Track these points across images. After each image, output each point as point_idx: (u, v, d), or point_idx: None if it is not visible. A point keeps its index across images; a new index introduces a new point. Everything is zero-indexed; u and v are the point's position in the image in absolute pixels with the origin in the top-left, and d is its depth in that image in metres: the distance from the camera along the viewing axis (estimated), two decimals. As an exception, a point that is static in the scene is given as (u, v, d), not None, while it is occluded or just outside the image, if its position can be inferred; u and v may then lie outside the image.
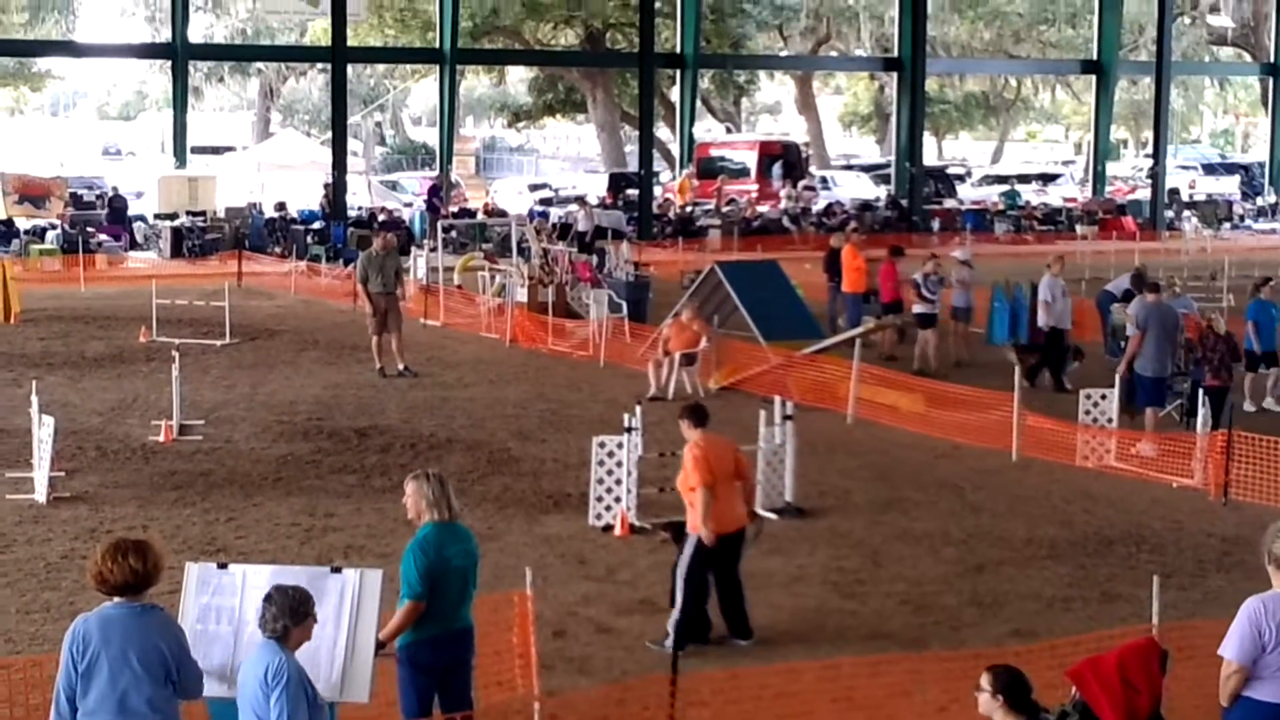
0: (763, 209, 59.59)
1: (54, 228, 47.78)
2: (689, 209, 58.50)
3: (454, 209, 55.50)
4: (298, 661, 8.32)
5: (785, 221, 56.99)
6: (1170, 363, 22.16)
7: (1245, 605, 9.01)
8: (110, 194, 53.37)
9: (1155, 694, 9.26)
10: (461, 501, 10.45)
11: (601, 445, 16.93)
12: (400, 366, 26.44)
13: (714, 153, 69.62)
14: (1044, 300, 26.28)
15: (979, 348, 28.51)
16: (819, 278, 32.73)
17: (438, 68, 60.29)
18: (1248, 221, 66.29)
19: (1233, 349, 22.18)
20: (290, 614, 8.32)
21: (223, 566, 9.28)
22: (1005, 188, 68.24)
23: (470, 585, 10.17)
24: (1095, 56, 66.12)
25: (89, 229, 47.43)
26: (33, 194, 50.99)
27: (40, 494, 17.72)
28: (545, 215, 54.36)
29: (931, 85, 72.50)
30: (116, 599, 8.26)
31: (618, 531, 16.65)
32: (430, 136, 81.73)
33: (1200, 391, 20.40)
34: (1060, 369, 26.02)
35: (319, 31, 71.22)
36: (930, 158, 77.27)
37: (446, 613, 10.01)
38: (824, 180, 70.07)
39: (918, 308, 28.00)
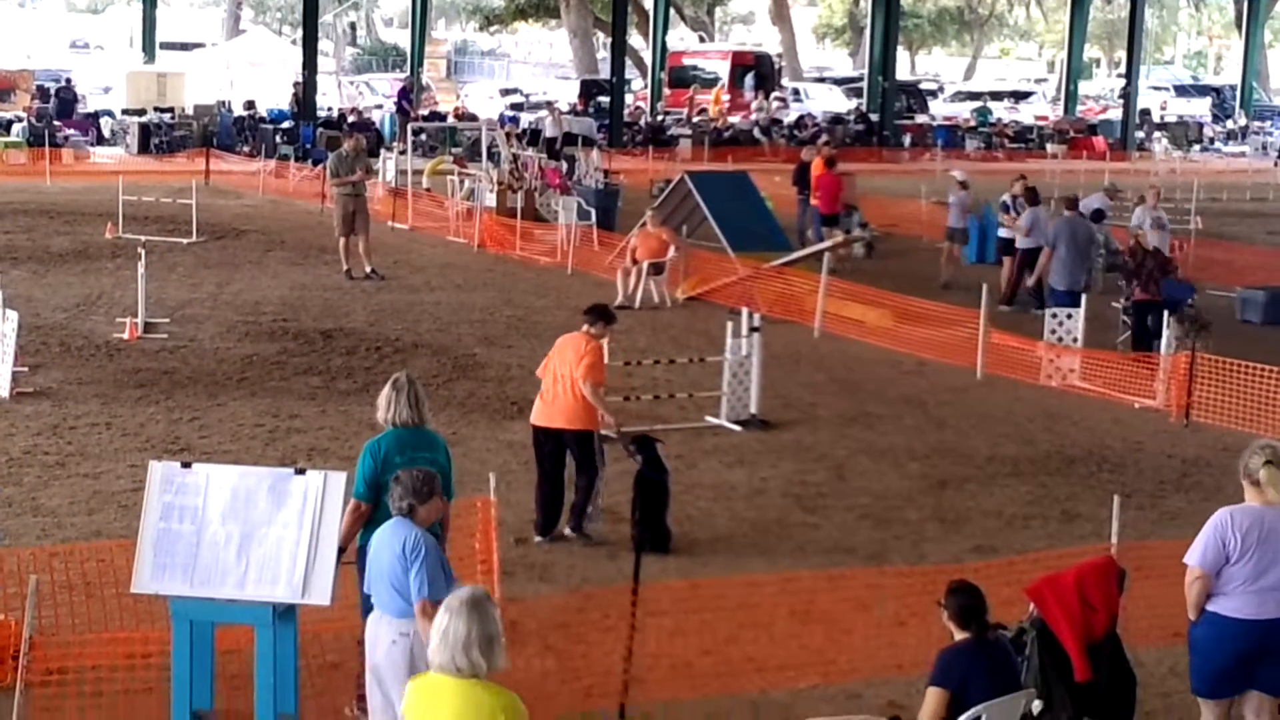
0: (734, 119, 59.45)
1: (20, 120, 47.43)
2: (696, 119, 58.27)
3: (424, 112, 55.25)
4: (431, 535, 8.70)
5: (756, 133, 56.89)
6: (1082, 276, 22.62)
7: (1215, 515, 9.11)
8: (59, 86, 52.53)
9: (1112, 612, 9.35)
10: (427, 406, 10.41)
11: (567, 353, 16.89)
12: (367, 269, 26.36)
13: (686, 61, 69.35)
14: (1134, 231, 24.44)
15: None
16: (788, 190, 32.68)
17: (411, -32, 59.81)
18: (1217, 144, 66.41)
19: (1161, 264, 22.31)
20: (414, 493, 8.70)
21: (186, 466, 9.27)
22: (977, 104, 68.20)
23: None
24: (1071, -26, 65.92)
25: (55, 123, 47.11)
26: (-2, 87, 50.64)
27: (3, 389, 17.64)
28: (515, 120, 54.18)
29: (906, -1, 72.21)
30: None
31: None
32: (402, 38, 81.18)
33: (1165, 312, 20.48)
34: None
35: (291, -72, 70.59)
36: (903, 72, 77.06)
37: None
38: (796, 92, 69.93)
39: (1004, 232, 26.69)
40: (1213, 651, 9.09)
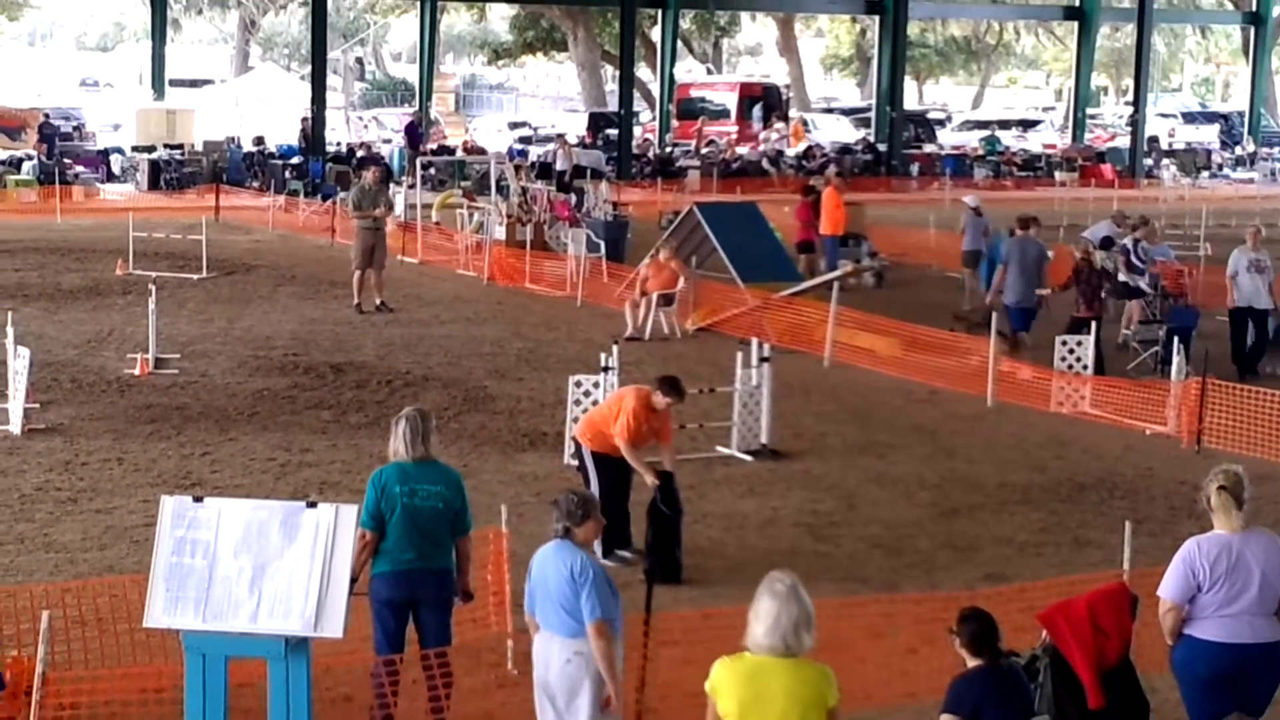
0: (742, 150, 59.54)
1: (30, 159, 47.56)
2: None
3: (433, 146, 55.36)
4: (595, 556, 9.12)
5: (764, 164, 56.97)
6: (1033, 293, 22.68)
7: (1183, 546, 9.25)
8: (41, 122, 52.29)
9: (1125, 639, 9.35)
10: (437, 439, 10.44)
11: (578, 384, 16.93)
12: (377, 302, 26.38)
13: (694, 93, 69.46)
14: (1229, 275, 23.02)
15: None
16: (797, 220, 32.71)
17: (419, 3, 60.00)
18: (1226, 171, 66.41)
19: (1113, 283, 22.79)
20: (568, 516, 9.02)
21: (198, 500, 9.28)
22: (985, 133, 68.27)
23: (440, 527, 10.10)
24: (1077, 2, 66.03)
25: (65, 160, 47.24)
26: (8, 125, 50.65)
27: (15, 425, 17.68)
28: (524, 154, 54.28)
29: (913, 29, 72.30)
30: None
31: (593, 471, 16.62)
32: (410, 73, 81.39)
33: (1174, 338, 20.52)
34: (1256, 352, 22.80)
35: (299, -35, 70.86)
36: (911, 102, 77.16)
37: (399, 550, 10.04)
38: (804, 123, 70.03)
39: (1124, 276, 24.87)
40: (1191, 674, 9.27)
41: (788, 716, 7.36)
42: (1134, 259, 24.94)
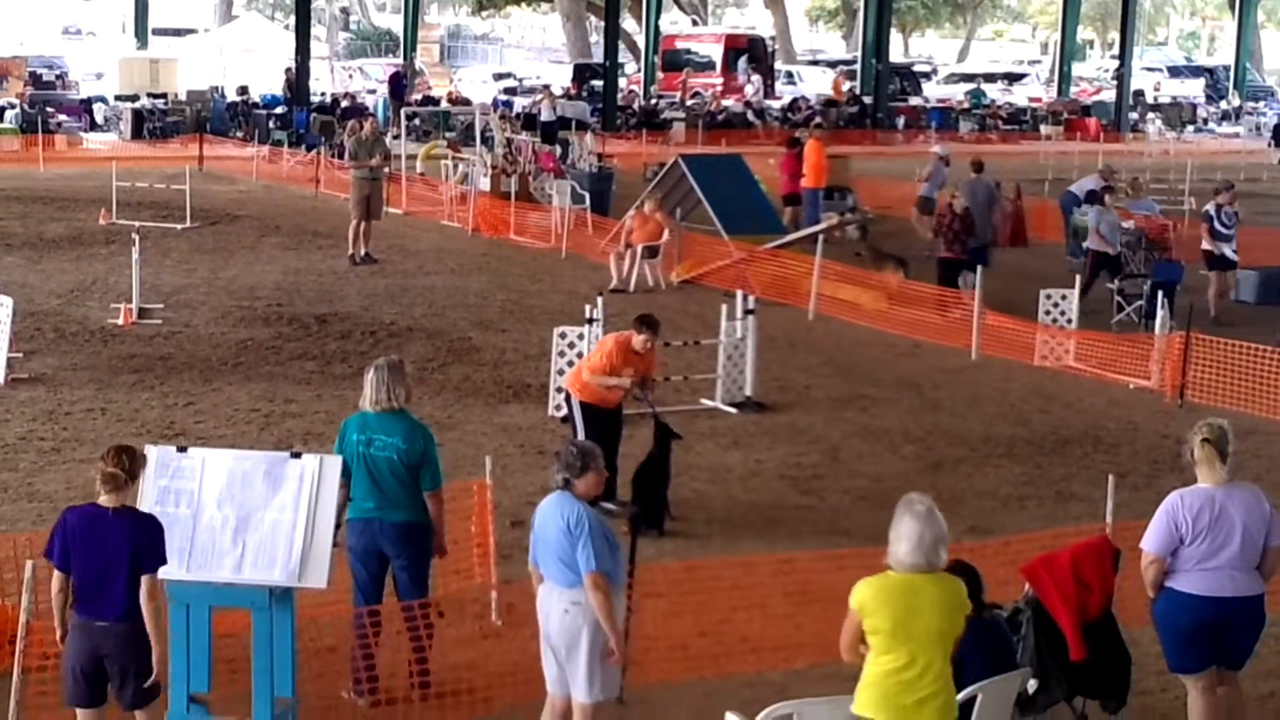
0: (727, 103, 59.43)
1: (12, 107, 47.36)
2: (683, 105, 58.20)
3: (417, 97, 55.20)
4: (593, 509, 8.88)
5: (749, 116, 56.88)
6: (986, 231, 24.04)
7: (1166, 499, 9.24)
8: None
9: (1107, 592, 9.39)
10: (420, 390, 10.43)
11: (562, 336, 16.92)
12: (363, 252, 26.30)
13: (679, 45, 69.28)
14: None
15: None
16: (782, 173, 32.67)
17: (403, -47, 59.65)
18: (1211, 125, 66.40)
19: (968, 226, 23.10)
20: (567, 468, 8.86)
21: (182, 450, 9.27)
22: (971, 86, 68.17)
23: (396, 480, 10.03)
24: (1064, -45, 65.87)
25: (48, 109, 47.05)
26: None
27: (-2, 375, 17.65)
28: (509, 105, 54.11)
29: (899, -19, 72.13)
30: None
31: (577, 422, 16.62)
32: (395, 23, 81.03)
33: (1159, 293, 20.54)
34: None
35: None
36: (896, 55, 76.98)
37: (362, 499, 10.09)
38: (789, 75, 69.91)
39: (1208, 245, 24.18)
40: (1172, 626, 9.28)
41: (936, 624, 7.74)
42: (1218, 225, 24.11)
